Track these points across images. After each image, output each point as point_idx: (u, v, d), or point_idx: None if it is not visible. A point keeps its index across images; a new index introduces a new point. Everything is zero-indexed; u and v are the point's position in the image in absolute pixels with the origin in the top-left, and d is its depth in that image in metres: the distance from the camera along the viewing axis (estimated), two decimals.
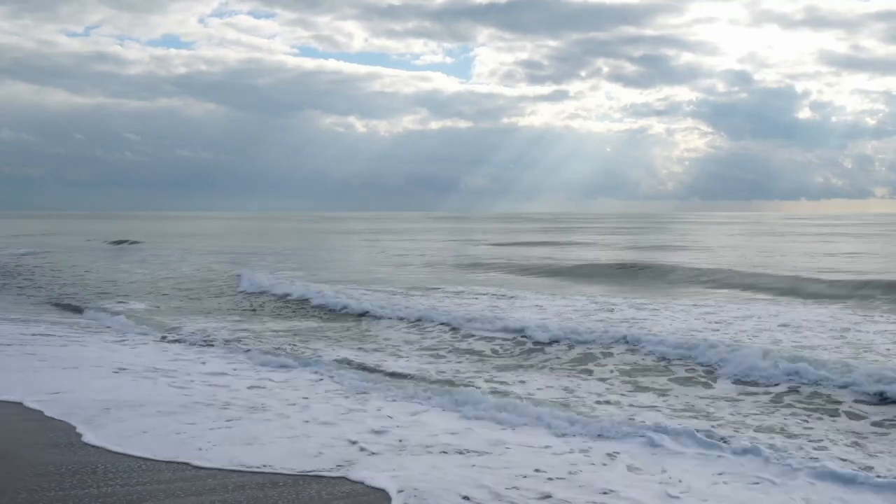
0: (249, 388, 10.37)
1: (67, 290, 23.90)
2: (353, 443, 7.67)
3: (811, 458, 7.29)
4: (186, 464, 6.96)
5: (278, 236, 70.53)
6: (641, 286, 24.15)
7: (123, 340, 14.55)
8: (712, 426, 8.44)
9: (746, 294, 21.42)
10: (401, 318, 16.59)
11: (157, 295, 22.96)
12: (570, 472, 6.85)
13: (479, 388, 10.49)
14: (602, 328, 14.54)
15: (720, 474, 6.83)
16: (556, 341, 13.59)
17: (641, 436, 7.83)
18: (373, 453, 7.34)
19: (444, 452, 7.45)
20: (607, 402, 9.74)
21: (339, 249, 49.23)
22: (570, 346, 13.29)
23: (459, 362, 12.59)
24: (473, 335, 14.71)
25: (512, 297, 20.78)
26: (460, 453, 7.42)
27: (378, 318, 16.93)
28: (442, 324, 15.70)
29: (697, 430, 7.95)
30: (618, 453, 7.42)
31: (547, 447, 7.64)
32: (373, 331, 15.73)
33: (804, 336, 13.76)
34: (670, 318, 16.30)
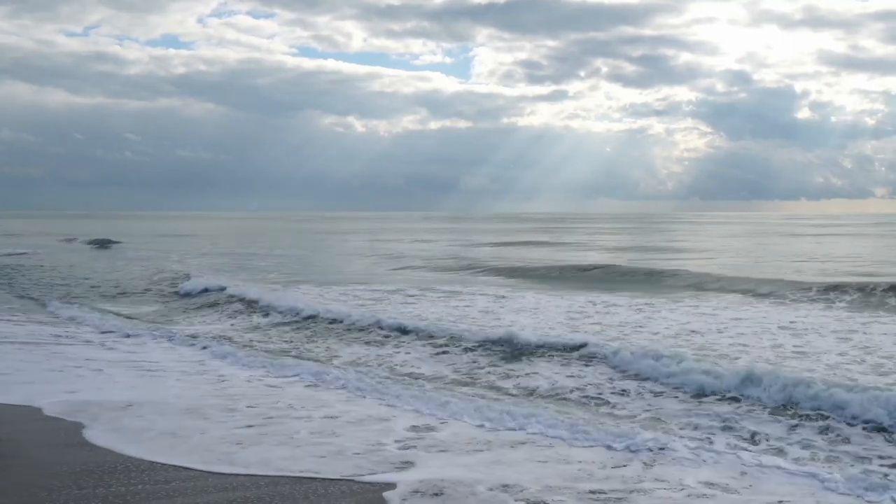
0: (267, 387, 10.43)
1: (38, 290, 23.86)
2: (381, 444, 7.69)
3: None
4: (199, 467, 6.93)
5: (277, 236, 70.38)
6: (641, 288, 24.12)
7: (126, 341, 14.64)
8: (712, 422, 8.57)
9: (746, 296, 21.38)
10: (400, 319, 16.52)
11: (157, 295, 22.93)
12: (601, 475, 6.88)
13: (498, 386, 10.67)
14: (599, 328, 14.79)
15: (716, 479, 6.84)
16: (556, 340, 13.55)
17: (663, 441, 7.80)
18: (401, 451, 7.41)
19: (475, 451, 7.50)
20: (620, 393, 10.18)
21: (338, 249, 49.22)
22: (570, 344, 13.26)
23: (470, 360, 12.62)
24: (472, 332, 14.64)
25: (509, 297, 20.82)
26: (489, 452, 7.47)
27: (378, 318, 16.88)
28: (442, 325, 15.61)
29: (713, 435, 8.03)
30: (645, 454, 7.44)
31: (575, 448, 7.68)
32: (377, 331, 15.68)
33: (807, 340, 13.69)
34: (671, 319, 16.33)
